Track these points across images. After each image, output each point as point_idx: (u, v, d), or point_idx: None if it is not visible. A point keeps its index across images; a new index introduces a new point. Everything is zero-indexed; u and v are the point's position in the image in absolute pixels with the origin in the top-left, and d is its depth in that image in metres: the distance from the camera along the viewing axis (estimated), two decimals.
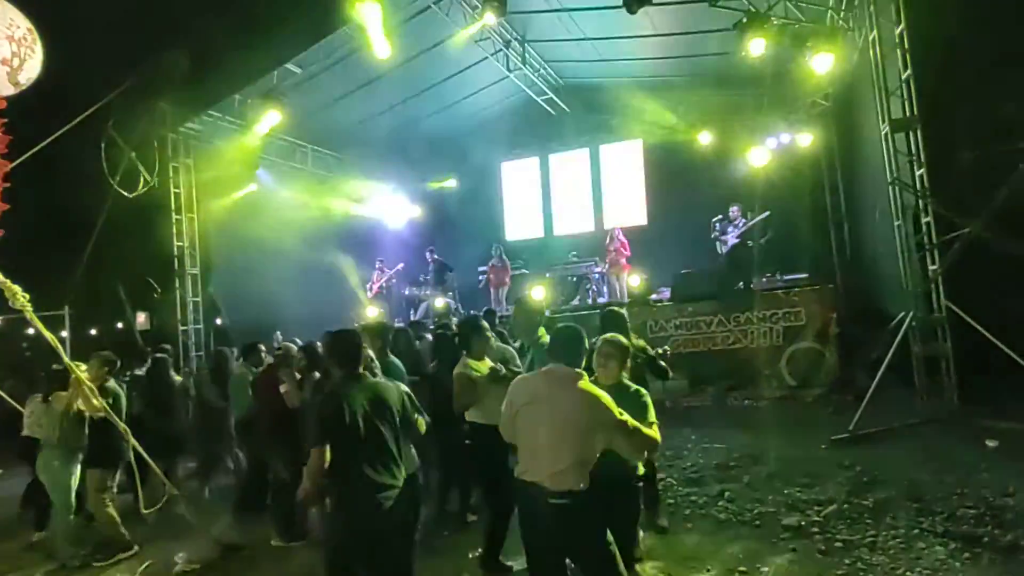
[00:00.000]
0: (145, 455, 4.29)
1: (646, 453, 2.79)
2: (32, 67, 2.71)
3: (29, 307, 3.30)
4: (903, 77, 6.30)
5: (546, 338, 3.49)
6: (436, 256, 11.68)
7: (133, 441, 4.23)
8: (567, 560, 2.60)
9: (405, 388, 3.00)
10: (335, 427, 2.59)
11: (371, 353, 3.21)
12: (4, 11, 2.59)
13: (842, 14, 7.97)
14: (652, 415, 2.75)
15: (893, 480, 4.60)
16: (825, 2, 7.96)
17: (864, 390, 6.17)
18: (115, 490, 4.63)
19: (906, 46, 6.25)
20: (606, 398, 2.47)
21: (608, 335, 3.03)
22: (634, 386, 2.93)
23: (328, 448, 2.57)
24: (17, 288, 3.18)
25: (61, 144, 6.63)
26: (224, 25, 7.75)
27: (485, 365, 3.74)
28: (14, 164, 2.78)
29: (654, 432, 2.61)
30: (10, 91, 2.72)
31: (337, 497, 2.70)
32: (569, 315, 8.59)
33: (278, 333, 8.68)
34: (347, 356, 2.82)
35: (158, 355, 6.19)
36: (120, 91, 7.81)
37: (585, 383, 2.52)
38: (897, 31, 6.30)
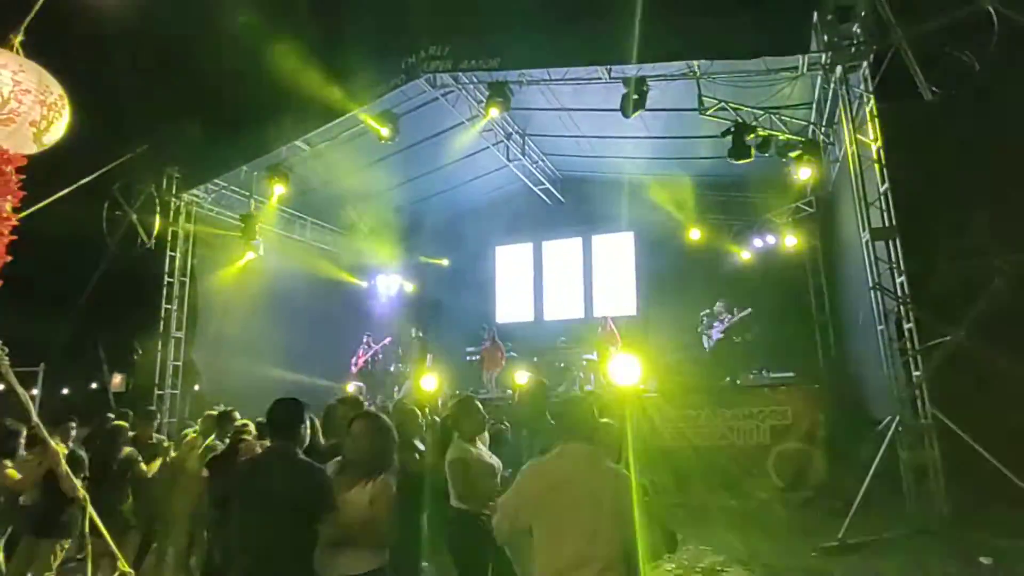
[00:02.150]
0: (101, 527, 4.06)
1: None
2: (57, 129, 2.84)
3: (6, 361, 3.24)
4: (881, 190, 6.67)
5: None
6: (421, 334, 11.65)
7: (91, 511, 4.02)
8: None
9: (320, 480, 2.58)
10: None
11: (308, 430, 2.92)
12: (40, 77, 2.75)
13: (823, 128, 8.54)
14: None
15: None
16: (807, 117, 8.55)
17: (852, 495, 6.03)
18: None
19: (883, 161, 6.67)
20: (631, 478, 2.24)
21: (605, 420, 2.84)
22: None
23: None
24: None
25: (63, 200, 6.77)
26: (239, 101, 8.16)
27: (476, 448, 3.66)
28: (22, 215, 2.84)
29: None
30: (34, 150, 2.84)
31: None
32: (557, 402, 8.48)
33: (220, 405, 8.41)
34: (280, 425, 2.66)
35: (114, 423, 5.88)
36: (130, 156, 8.10)
37: (609, 462, 2.29)
38: (875, 148, 6.74)
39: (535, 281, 14.25)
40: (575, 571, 2.06)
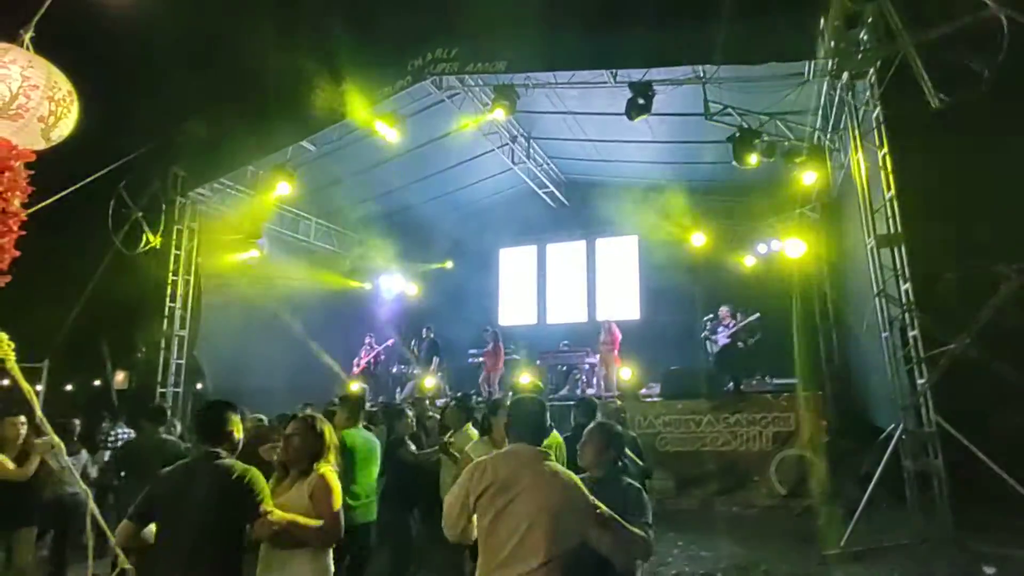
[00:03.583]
0: (102, 522, 4.05)
1: (634, 555, 2.37)
2: (66, 125, 2.85)
3: (13, 356, 3.25)
4: (887, 197, 6.64)
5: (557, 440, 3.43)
6: (432, 335, 11.65)
7: (92, 505, 4.02)
8: None
9: (241, 485, 2.47)
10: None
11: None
12: (49, 73, 2.76)
13: (828, 135, 8.53)
14: (649, 515, 2.44)
15: None
16: (813, 123, 8.54)
17: (855, 503, 6.00)
18: None
19: (889, 168, 6.65)
20: (577, 480, 2.26)
21: (600, 420, 2.83)
22: (628, 480, 2.59)
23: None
24: (4, 336, 3.15)
25: (68, 197, 6.79)
26: (246, 100, 8.18)
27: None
28: (29, 211, 2.86)
29: (643, 535, 2.29)
30: (42, 146, 2.85)
31: None
32: (558, 405, 8.47)
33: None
34: (205, 430, 2.61)
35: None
36: (136, 154, 8.13)
37: (553, 463, 2.29)
38: (880, 154, 6.72)
39: (538, 284, 14.25)
40: (507, 568, 2.12)
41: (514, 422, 2.44)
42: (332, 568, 2.64)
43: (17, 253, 2.84)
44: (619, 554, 2.25)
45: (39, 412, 3.98)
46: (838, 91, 7.39)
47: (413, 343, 11.95)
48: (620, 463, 2.64)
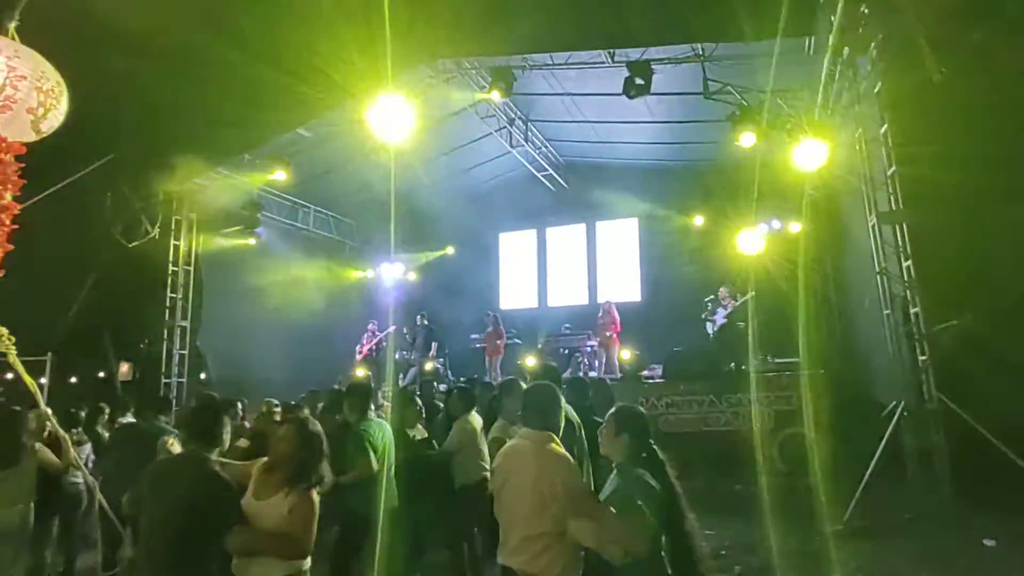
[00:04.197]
0: (111, 514, 4.09)
1: (627, 551, 2.19)
2: (56, 116, 2.81)
3: (13, 351, 3.25)
4: (888, 173, 6.59)
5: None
6: (426, 322, 11.66)
7: (100, 497, 4.06)
8: None
9: (223, 492, 2.46)
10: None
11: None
12: (37, 64, 2.72)
13: (829, 111, 8.43)
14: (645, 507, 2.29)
15: None
16: (813, 100, 8.44)
17: (857, 480, 6.04)
18: None
19: (890, 144, 6.58)
20: (570, 464, 2.26)
21: (619, 404, 2.67)
22: (639, 471, 2.45)
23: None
24: (4, 330, 3.15)
25: (65, 190, 6.76)
26: (242, 89, 8.08)
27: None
28: (24, 206, 2.83)
29: (639, 528, 2.14)
30: (32, 138, 2.81)
31: None
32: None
33: None
34: (197, 431, 2.60)
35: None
36: (133, 145, 8.06)
37: (556, 446, 2.30)
38: (881, 130, 6.65)
39: (539, 268, 14.23)
40: (506, 547, 2.28)
41: (523, 407, 2.50)
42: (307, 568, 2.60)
43: (10, 247, 2.81)
44: (601, 542, 2.15)
45: (43, 405, 4.00)
46: (839, 67, 7.29)
47: (406, 331, 11.96)
48: (644, 450, 2.50)
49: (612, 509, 2.19)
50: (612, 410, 2.60)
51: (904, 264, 6.51)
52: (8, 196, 2.75)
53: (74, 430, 5.33)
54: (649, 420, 2.60)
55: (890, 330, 6.72)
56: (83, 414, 6.05)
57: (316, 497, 2.59)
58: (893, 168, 6.57)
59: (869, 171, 6.89)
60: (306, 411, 5.20)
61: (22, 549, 4.21)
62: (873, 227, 6.84)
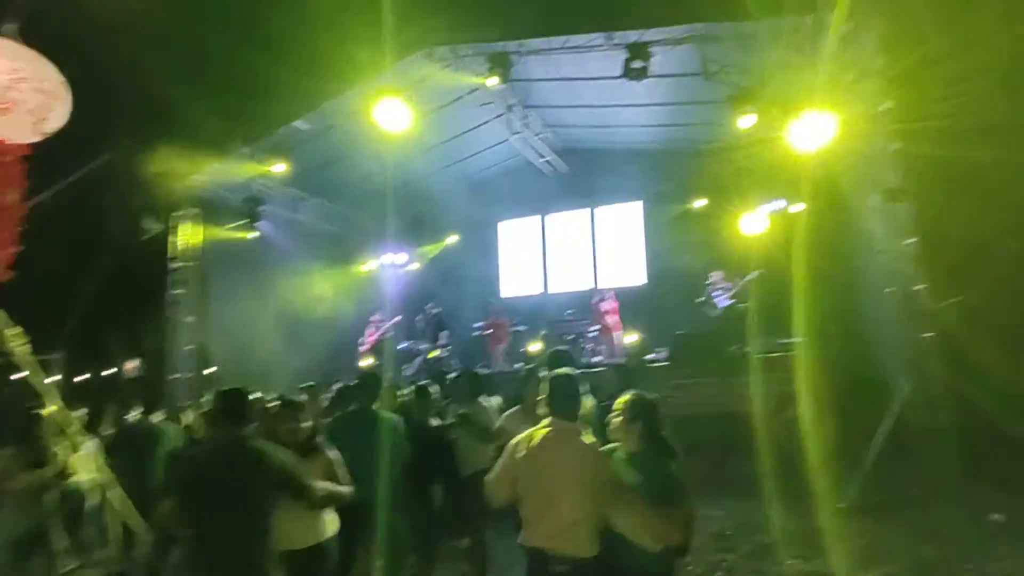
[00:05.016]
0: (132, 509, 4.15)
1: (664, 539, 2.30)
2: (58, 117, 2.81)
3: (27, 349, 3.28)
4: (891, 149, 6.54)
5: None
6: (436, 311, 11.70)
7: (117, 493, 4.11)
8: None
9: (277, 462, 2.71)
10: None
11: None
12: (38, 65, 2.71)
13: (831, 89, 8.34)
14: (685, 499, 2.38)
15: (897, 554, 4.47)
16: (813, 79, 8.36)
17: (863, 458, 6.07)
18: None
19: (892, 120, 6.53)
20: (607, 456, 2.34)
21: (635, 391, 2.71)
22: (665, 459, 2.52)
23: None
24: (18, 330, 3.18)
25: (66, 189, 6.76)
26: (242, 83, 8.05)
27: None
28: (29, 204, 2.85)
29: (679, 517, 2.24)
30: (35, 139, 2.82)
31: None
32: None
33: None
34: (231, 414, 2.77)
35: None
36: (131, 141, 8.05)
37: (588, 437, 2.38)
38: (883, 107, 6.60)
39: (541, 255, 14.21)
40: (537, 533, 2.35)
41: (549, 397, 2.51)
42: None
43: (19, 248, 2.84)
44: (643, 533, 2.26)
45: (55, 403, 4.04)
46: (841, 44, 7.21)
47: (418, 318, 12.01)
48: (657, 438, 2.56)
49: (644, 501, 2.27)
50: (627, 398, 2.62)
51: (907, 241, 6.49)
52: (13, 197, 2.76)
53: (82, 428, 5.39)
54: (660, 407, 2.63)
55: (894, 307, 6.72)
56: (85, 411, 6.12)
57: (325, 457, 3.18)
58: (896, 144, 6.52)
59: (872, 148, 6.85)
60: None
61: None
62: (876, 204, 6.82)
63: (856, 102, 7.01)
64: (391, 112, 8.38)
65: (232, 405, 2.77)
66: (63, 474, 4.29)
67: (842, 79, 7.93)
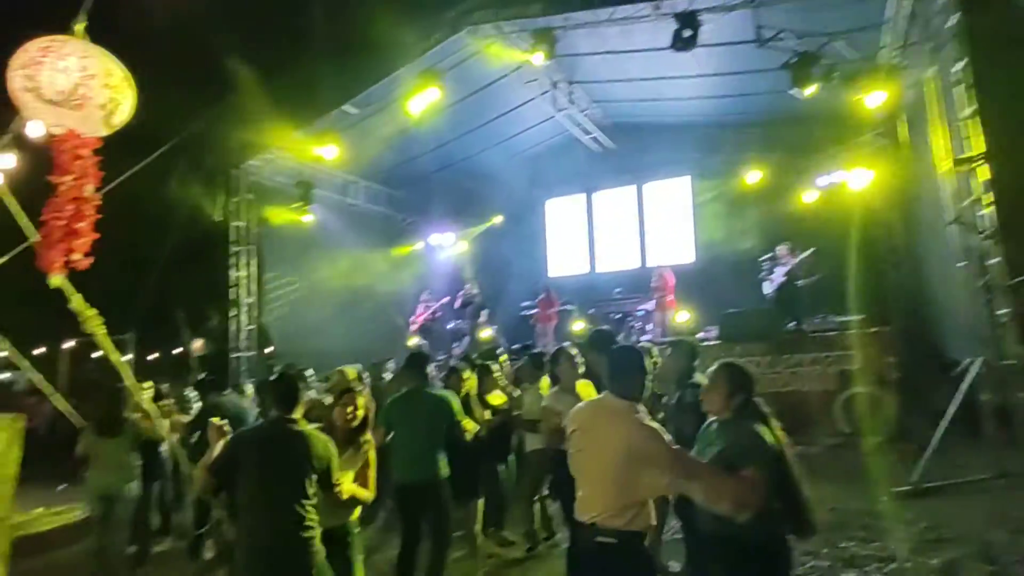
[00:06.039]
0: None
1: (732, 505, 2.23)
2: (125, 110, 2.97)
3: (103, 330, 3.51)
4: (966, 113, 6.10)
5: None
6: (473, 291, 11.82)
7: (187, 466, 4.35)
8: None
9: (325, 447, 2.89)
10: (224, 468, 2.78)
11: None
12: (105, 60, 2.86)
13: (897, 51, 7.84)
14: (754, 463, 2.32)
15: (963, 539, 4.29)
16: (877, 40, 7.86)
17: (927, 440, 5.82)
18: None
19: (968, 83, 6.08)
20: (658, 430, 2.29)
21: (724, 361, 2.70)
22: (748, 424, 2.49)
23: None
24: (94, 311, 3.40)
25: (133, 176, 7.13)
26: (293, 69, 8.25)
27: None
28: (102, 192, 3.03)
29: (749, 483, 2.21)
30: (105, 132, 2.99)
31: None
32: None
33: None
34: (282, 399, 2.91)
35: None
36: (191, 131, 8.40)
37: (640, 415, 2.35)
38: (959, 67, 6.13)
39: (588, 233, 14.06)
40: (582, 507, 2.38)
41: (609, 373, 2.52)
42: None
43: (97, 235, 3.04)
44: (712, 501, 2.23)
45: (130, 379, 4.31)
46: (910, 1, 6.74)
47: (461, 296, 12.13)
48: (748, 404, 2.57)
49: (721, 466, 2.30)
50: (720, 369, 2.63)
51: (981, 212, 6.09)
52: (90, 188, 2.95)
53: (164, 403, 5.80)
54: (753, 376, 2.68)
55: (966, 283, 6.34)
56: (166, 387, 6.56)
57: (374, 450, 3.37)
58: (971, 108, 6.08)
59: (944, 113, 6.41)
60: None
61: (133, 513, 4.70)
62: (948, 173, 6.40)
63: (925, 64, 6.57)
64: (435, 93, 8.41)
65: (280, 390, 2.94)
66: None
67: (908, 41, 7.45)
